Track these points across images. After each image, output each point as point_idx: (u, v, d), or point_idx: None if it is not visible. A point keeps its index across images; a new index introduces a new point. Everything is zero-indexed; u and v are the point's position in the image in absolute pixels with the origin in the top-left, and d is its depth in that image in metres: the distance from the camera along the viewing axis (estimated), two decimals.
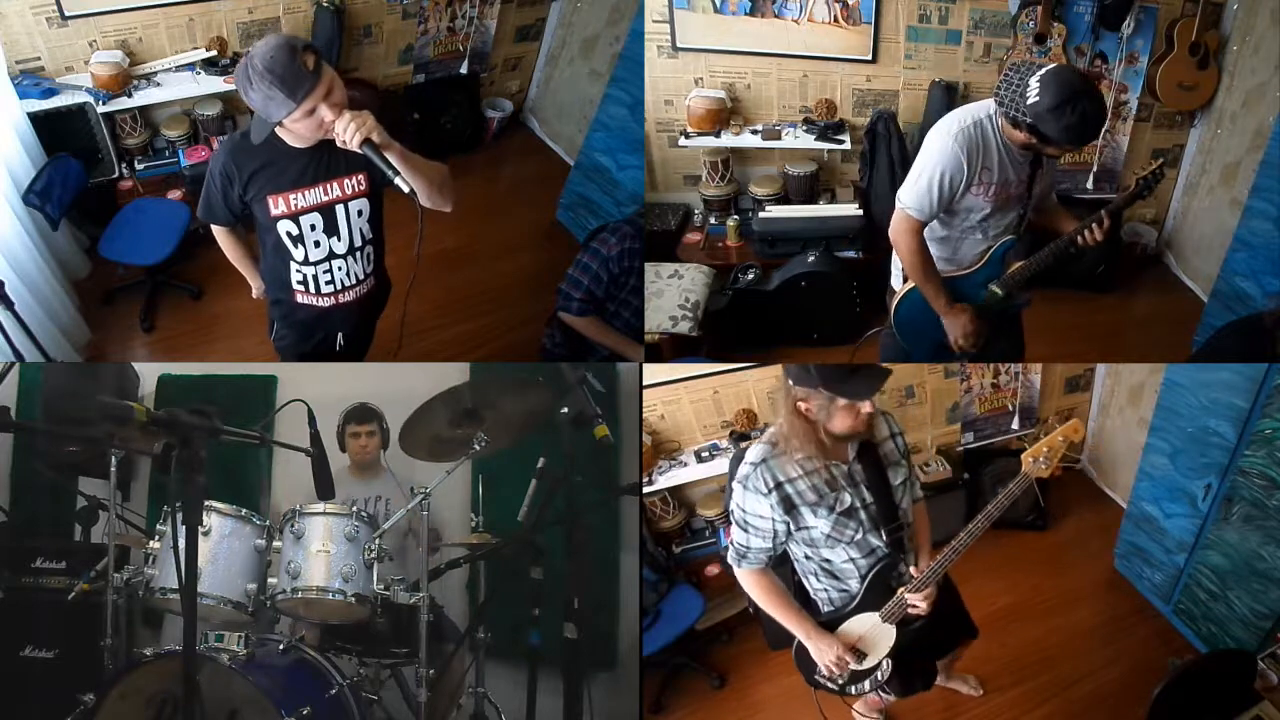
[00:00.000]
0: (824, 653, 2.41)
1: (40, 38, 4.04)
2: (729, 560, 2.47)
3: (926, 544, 2.51)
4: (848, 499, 2.32)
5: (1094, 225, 2.67)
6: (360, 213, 2.61)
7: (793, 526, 2.33)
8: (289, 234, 2.56)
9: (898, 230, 2.68)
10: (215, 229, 2.75)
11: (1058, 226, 2.80)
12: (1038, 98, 2.43)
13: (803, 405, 2.25)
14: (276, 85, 2.27)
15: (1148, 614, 3.74)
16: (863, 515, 2.34)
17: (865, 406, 2.23)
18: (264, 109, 2.32)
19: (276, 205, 2.52)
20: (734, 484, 2.36)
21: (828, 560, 2.40)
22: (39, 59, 4.07)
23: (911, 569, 2.37)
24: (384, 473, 3.36)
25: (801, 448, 2.28)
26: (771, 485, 2.29)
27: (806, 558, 2.43)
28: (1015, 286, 2.80)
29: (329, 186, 2.54)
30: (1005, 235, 2.76)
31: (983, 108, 2.62)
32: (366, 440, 3.34)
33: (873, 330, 3.15)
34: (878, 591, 2.38)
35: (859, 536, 2.34)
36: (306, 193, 2.52)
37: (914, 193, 2.64)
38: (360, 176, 2.58)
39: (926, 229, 2.71)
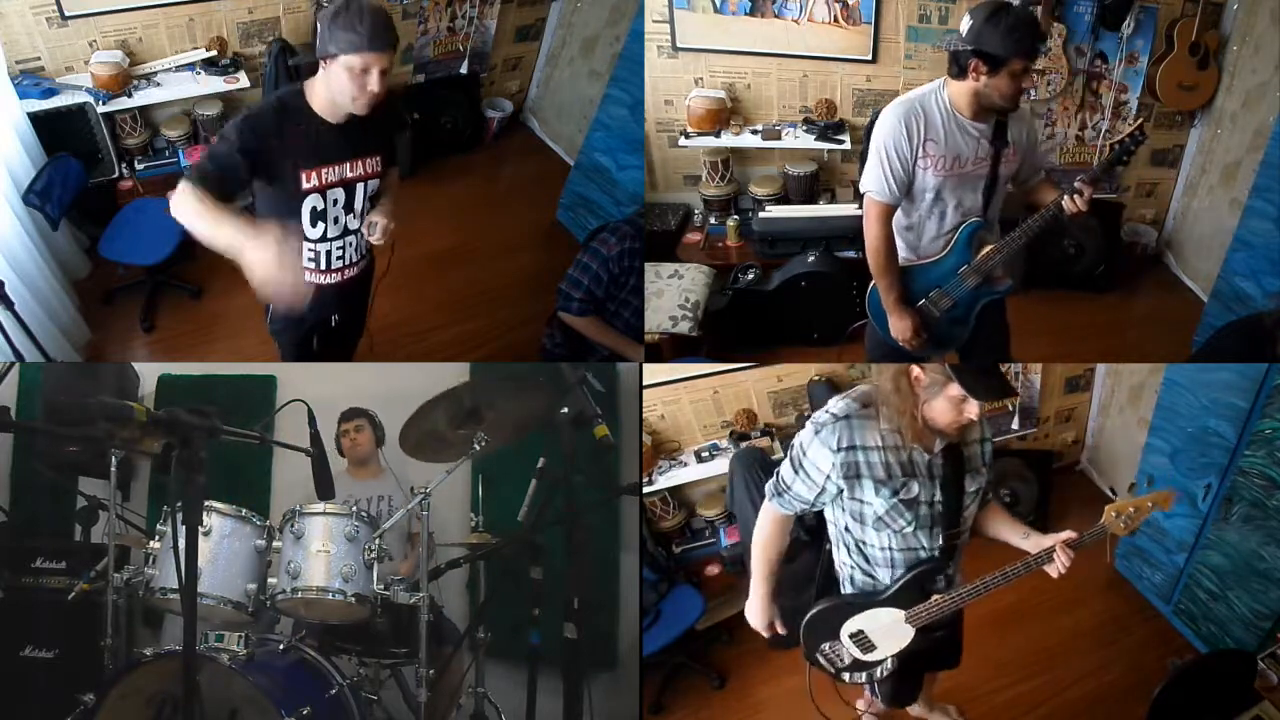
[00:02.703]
0: (758, 616, 2.45)
1: (40, 38, 4.04)
2: (767, 489, 2.36)
3: (1021, 524, 2.43)
4: (915, 489, 2.21)
5: (1074, 196, 2.59)
6: (370, 192, 2.69)
7: (846, 494, 2.24)
8: (313, 209, 2.60)
9: (866, 218, 2.72)
10: (187, 187, 2.28)
11: (1043, 202, 2.74)
12: (970, 20, 2.50)
13: (916, 371, 2.14)
14: (366, 25, 2.36)
15: (1148, 614, 3.74)
16: (923, 510, 2.23)
17: (972, 408, 2.12)
18: (333, 39, 2.38)
19: (310, 179, 2.55)
20: (808, 424, 2.26)
21: (864, 541, 2.32)
22: (39, 59, 4.07)
23: (1059, 551, 2.25)
24: (384, 472, 3.38)
25: (892, 416, 2.17)
26: (845, 445, 2.18)
27: (846, 529, 2.33)
28: (989, 271, 2.74)
29: (355, 164, 2.61)
30: (968, 219, 2.71)
31: (928, 86, 2.65)
32: (355, 435, 3.38)
33: (859, 323, 3.14)
34: (912, 591, 2.31)
35: (909, 529, 2.24)
36: (336, 168, 2.58)
37: (869, 175, 2.68)
38: (378, 158, 2.66)
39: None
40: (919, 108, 2.61)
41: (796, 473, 2.28)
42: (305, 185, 2.55)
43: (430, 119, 5.04)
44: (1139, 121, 2.73)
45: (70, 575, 3.20)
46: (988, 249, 2.72)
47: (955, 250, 2.73)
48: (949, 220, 2.71)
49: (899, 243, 2.77)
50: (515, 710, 2.99)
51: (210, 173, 2.37)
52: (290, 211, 2.59)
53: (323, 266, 2.72)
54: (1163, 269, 4.53)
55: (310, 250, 2.68)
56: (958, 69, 2.55)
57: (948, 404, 2.13)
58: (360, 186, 2.65)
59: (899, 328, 2.79)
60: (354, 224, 2.70)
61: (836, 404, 2.25)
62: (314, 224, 2.62)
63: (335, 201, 2.62)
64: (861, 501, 2.24)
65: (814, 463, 2.23)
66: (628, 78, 4.23)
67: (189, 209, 2.29)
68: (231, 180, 2.42)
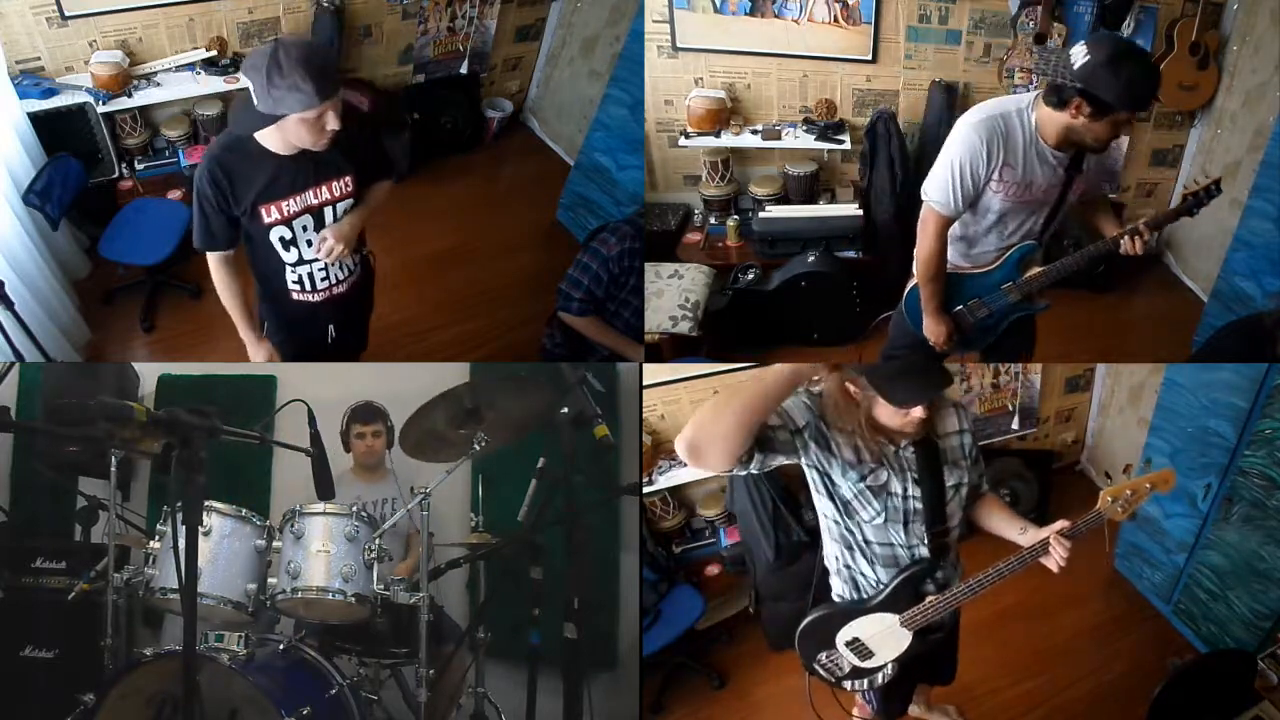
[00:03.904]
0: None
1: (40, 38, 4.04)
2: None
3: (1020, 518, 2.35)
4: (884, 476, 2.17)
5: (1134, 238, 2.54)
6: (346, 211, 2.64)
7: (816, 464, 2.16)
8: (281, 238, 2.58)
9: (922, 223, 2.63)
10: (214, 259, 2.65)
11: (1099, 226, 2.71)
12: (1088, 57, 2.31)
13: (849, 385, 2.11)
14: (311, 79, 2.26)
15: (1148, 614, 3.74)
16: (894, 503, 2.19)
17: (916, 410, 2.08)
18: (281, 100, 2.29)
19: (270, 214, 2.53)
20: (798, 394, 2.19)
21: (845, 530, 2.26)
22: (39, 59, 4.07)
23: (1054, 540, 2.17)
24: (389, 474, 3.38)
25: (844, 424, 2.13)
26: (816, 416, 2.12)
27: (826, 517, 2.29)
28: (1032, 292, 2.73)
29: (319, 190, 2.56)
30: (1025, 240, 2.67)
31: (1016, 100, 2.52)
32: (372, 440, 3.34)
33: (882, 316, 3.05)
34: (905, 594, 2.27)
35: (878, 521, 2.20)
36: (298, 198, 2.54)
37: (936, 184, 2.56)
38: (348, 178, 2.60)
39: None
40: (1003, 127, 2.47)
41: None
42: (267, 220, 2.53)
43: (430, 119, 5.04)
44: (1217, 178, 2.64)
45: (70, 575, 3.19)
46: (1036, 271, 2.69)
47: (1004, 267, 2.71)
48: (1005, 239, 2.68)
49: (951, 246, 2.72)
50: (515, 710, 2.99)
51: (218, 236, 2.57)
52: (263, 243, 2.59)
53: (307, 288, 2.70)
54: (1163, 269, 4.53)
55: (292, 273, 2.66)
56: (1057, 100, 2.40)
57: (888, 410, 2.09)
58: (329, 210, 2.60)
59: (934, 331, 2.79)
60: None
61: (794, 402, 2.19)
62: (287, 249, 2.61)
63: (304, 228, 2.59)
64: (832, 481, 2.20)
65: (789, 412, 2.14)
66: (628, 78, 4.23)
67: (217, 283, 2.69)
68: (232, 228, 2.57)
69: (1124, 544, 3.92)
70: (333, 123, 2.37)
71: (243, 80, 2.36)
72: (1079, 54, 2.34)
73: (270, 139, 2.44)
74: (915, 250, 2.70)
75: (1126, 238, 2.56)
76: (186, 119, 4.45)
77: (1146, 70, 2.35)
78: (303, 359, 2.94)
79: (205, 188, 2.48)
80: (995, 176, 2.51)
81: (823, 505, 2.29)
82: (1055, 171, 2.54)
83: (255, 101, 2.33)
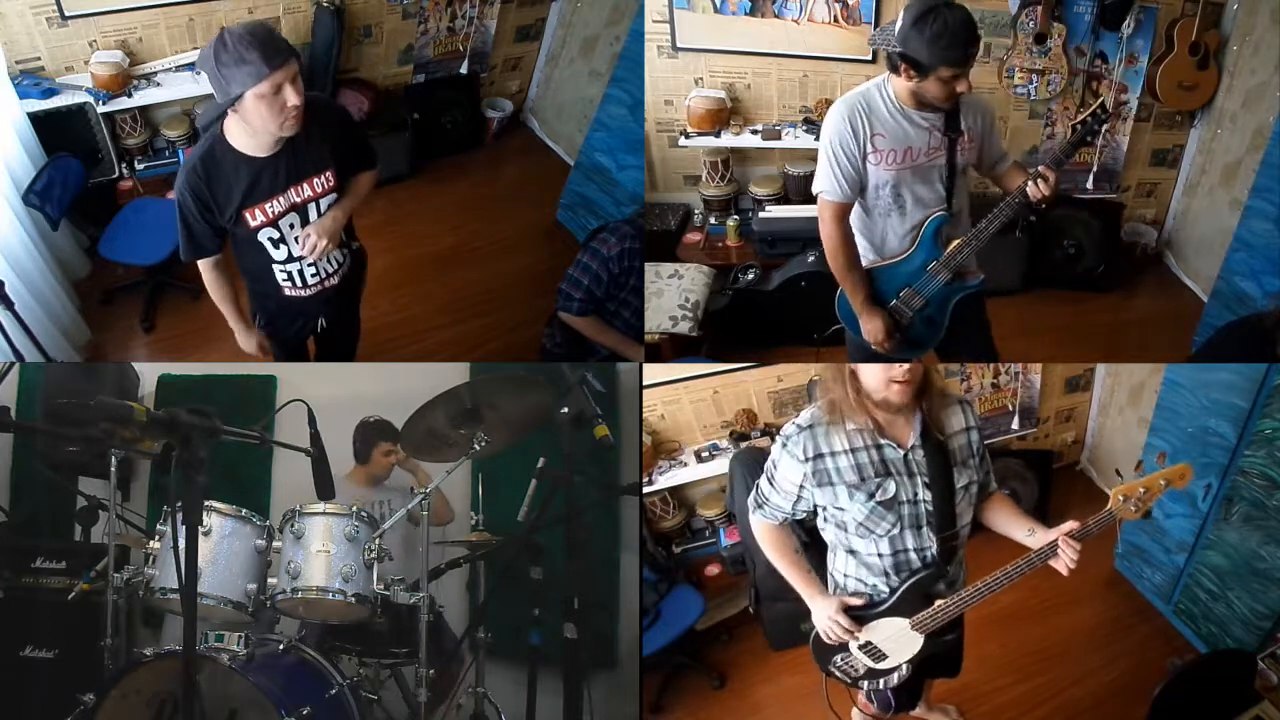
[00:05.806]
0: (823, 613, 2.31)
1: (40, 38, 4.04)
2: (749, 503, 2.39)
3: (1027, 519, 2.32)
4: (891, 488, 2.17)
5: (1038, 181, 2.53)
6: (330, 206, 2.65)
7: (823, 504, 2.24)
8: (270, 239, 2.60)
9: (821, 220, 2.64)
10: (204, 265, 2.67)
11: (1010, 186, 2.68)
12: (901, 20, 2.41)
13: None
14: (255, 49, 2.25)
15: (1148, 614, 3.74)
16: (905, 510, 2.20)
17: (896, 372, 2.09)
18: (232, 78, 2.28)
19: (255, 217, 2.54)
20: (777, 438, 2.27)
21: (853, 549, 2.29)
22: (39, 59, 4.07)
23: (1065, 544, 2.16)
24: (383, 485, 3.44)
25: (835, 403, 2.17)
26: (811, 454, 2.18)
27: (835, 538, 2.32)
28: (959, 265, 2.67)
29: (300, 188, 2.56)
30: (931, 212, 2.63)
31: (873, 80, 2.58)
32: (395, 459, 3.43)
33: (835, 327, 2.96)
34: (914, 598, 2.27)
35: (894, 532, 2.21)
36: (280, 198, 2.54)
37: (820, 175, 2.61)
38: (329, 174, 2.60)
39: (852, 220, 2.67)
40: (864, 102, 2.54)
41: (772, 486, 2.31)
42: (252, 224, 2.54)
43: (430, 119, 5.04)
44: (1099, 100, 2.57)
45: (70, 575, 3.19)
46: (956, 242, 2.65)
47: (922, 246, 2.66)
48: (910, 216, 2.65)
49: (863, 244, 2.72)
50: (515, 710, 2.99)
51: (204, 245, 2.60)
52: (251, 244, 2.60)
53: (298, 284, 2.71)
54: (1163, 269, 4.52)
55: (282, 271, 2.67)
56: (891, 67, 2.49)
57: (869, 374, 2.13)
58: (313, 207, 2.61)
59: (870, 329, 2.73)
60: None
61: (803, 415, 2.26)
62: (277, 248, 2.62)
63: (291, 226, 2.60)
64: (840, 509, 2.23)
65: (785, 476, 2.26)
66: (628, 78, 4.23)
67: (209, 286, 2.74)
68: (217, 237, 2.60)
69: (1124, 544, 3.92)
70: (292, 97, 2.33)
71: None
72: (898, 20, 2.41)
73: (241, 138, 2.44)
74: (824, 250, 2.69)
75: (1031, 183, 2.54)
76: (186, 119, 4.45)
77: (949, 25, 2.36)
78: (294, 350, 2.96)
79: (187, 199, 2.48)
80: (870, 148, 2.55)
81: (835, 535, 2.32)
82: (930, 134, 2.56)
83: (216, 96, 2.35)
